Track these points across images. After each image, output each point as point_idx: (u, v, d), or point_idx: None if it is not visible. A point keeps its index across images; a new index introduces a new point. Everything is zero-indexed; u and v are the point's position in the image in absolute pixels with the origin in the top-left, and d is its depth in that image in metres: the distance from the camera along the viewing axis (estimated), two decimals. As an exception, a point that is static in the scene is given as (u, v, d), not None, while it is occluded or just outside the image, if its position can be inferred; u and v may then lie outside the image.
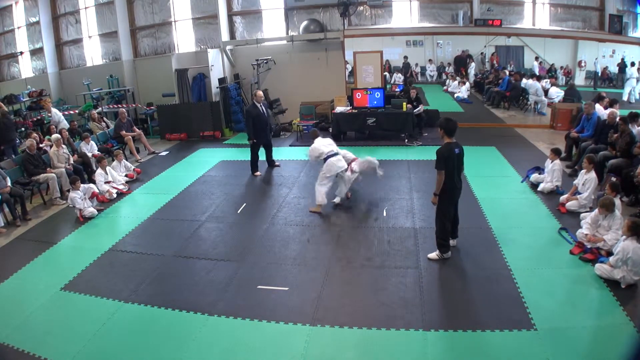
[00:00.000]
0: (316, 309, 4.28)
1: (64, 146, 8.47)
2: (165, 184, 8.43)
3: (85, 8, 14.51)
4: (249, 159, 8.55)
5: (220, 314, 4.30)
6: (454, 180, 4.87)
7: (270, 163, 8.95)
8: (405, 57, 12.78)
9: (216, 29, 12.94)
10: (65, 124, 10.47)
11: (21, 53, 16.00)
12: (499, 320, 3.96)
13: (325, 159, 6.52)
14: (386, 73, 12.44)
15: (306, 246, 5.64)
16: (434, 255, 5.09)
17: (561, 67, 11.95)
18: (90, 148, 9.21)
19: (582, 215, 5.63)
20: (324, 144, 6.69)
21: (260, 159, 8.63)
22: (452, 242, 5.27)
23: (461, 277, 4.74)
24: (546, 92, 11.56)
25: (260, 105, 8.44)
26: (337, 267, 5.05)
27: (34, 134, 8.98)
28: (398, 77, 12.78)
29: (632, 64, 10.81)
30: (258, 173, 8.59)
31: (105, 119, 11.54)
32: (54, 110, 10.72)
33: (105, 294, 4.75)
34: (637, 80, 10.80)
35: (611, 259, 4.38)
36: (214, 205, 7.15)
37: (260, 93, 8.63)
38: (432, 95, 12.43)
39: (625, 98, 10.84)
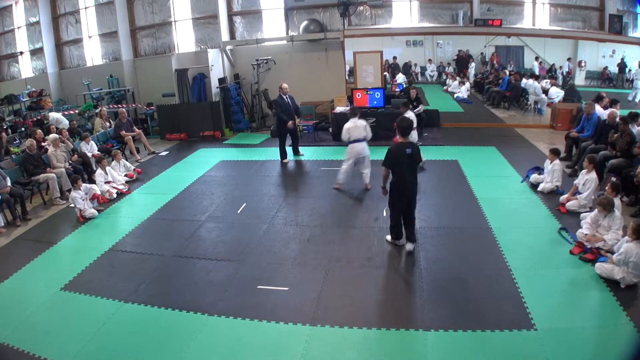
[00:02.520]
0: (316, 309, 4.28)
1: (62, 145, 8.47)
2: (165, 184, 8.43)
3: (85, 8, 14.51)
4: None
5: (220, 314, 4.30)
6: (401, 178, 5.02)
7: (295, 151, 9.47)
8: (394, 58, 12.73)
9: (216, 29, 12.94)
10: (65, 124, 10.48)
11: (21, 53, 16.01)
12: (499, 320, 3.96)
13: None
14: (386, 73, 12.43)
15: (306, 246, 5.64)
16: (388, 237, 5.50)
17: (561, 67, 11.95)
18: (90, 148, 9.20)
19: (582, 215, 5.63)
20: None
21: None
22: (409, 245, 5.25)
23: (461, 277, 4.73)
24: (546, 92, 11.56)
25: (286, 97, 8.88)
26: (337, 267, 5.05)
27: (39, 131, 8.99)
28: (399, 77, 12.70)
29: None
30: (286, 160, 9.12)
31: (109, 119, 11.54)
32: (52, 115, 10.75)
33: (105, 294, 4.75)
34: None
35: (614, 256, 4.37)
36: (214, 205, 7.15)
37: (286, 85, 9.00)
38: (432, 95, 12.41)
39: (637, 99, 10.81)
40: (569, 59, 11.66)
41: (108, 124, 10.98)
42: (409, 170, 5.03)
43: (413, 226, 5.27)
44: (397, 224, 5.27)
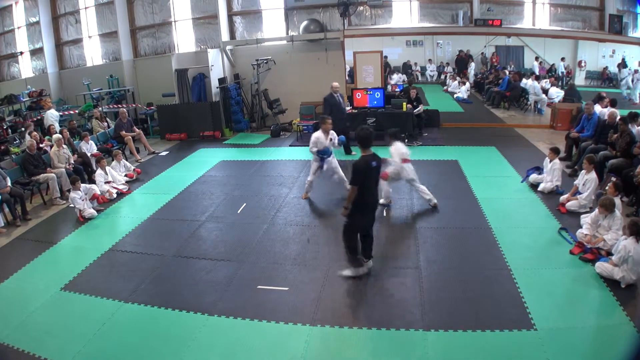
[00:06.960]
0: (316, 309, 4.28)
1: (64, 146, 8.47)
2: (165, 184, 8.43)
3: (85, 8, 14.50)
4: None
5: (220, 314, 4.30)
6: (369, 194, 4.60)
7: (347, 151, 9.14)
8: (408, 61, 12.79)
9: (216, 29, 12.94)
10: (57, 126, 10.38)
11: (21, 53, 16.00)
12: (499, 320, 3.96)
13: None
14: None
15: (306, 246, 5.64)
16: (346, 272, 4.80)
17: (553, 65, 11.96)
18: (90, 147, 9.20)
19: (582, 216, 5.62)
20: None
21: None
22: (370, 262, 4.90)
23: (461, 277, 4.74)
24: (546, 92, 11.57)
25: (338, 95, 8.75)
26: (337, 267, 5.04)
27: (34, 133, 8.98)
28: (398, 77, 12.74)
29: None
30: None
31: (106, 118, 11.55)
32: (49, 113, 10.79)
33: (105, 294, 4.75)
34: None
35: (614, 257, 4.38)
36: (214, 205, 7.15)
37: (336, 83, 8.87)
38: (432, 95, 12.42)
39: None
40: (562, 59, 11.68)
41: (106, 123, 10.98)
42: (375, 185, 4.68)
43: (372, 241, 4.89)
44: (356, 243, 4.83)
